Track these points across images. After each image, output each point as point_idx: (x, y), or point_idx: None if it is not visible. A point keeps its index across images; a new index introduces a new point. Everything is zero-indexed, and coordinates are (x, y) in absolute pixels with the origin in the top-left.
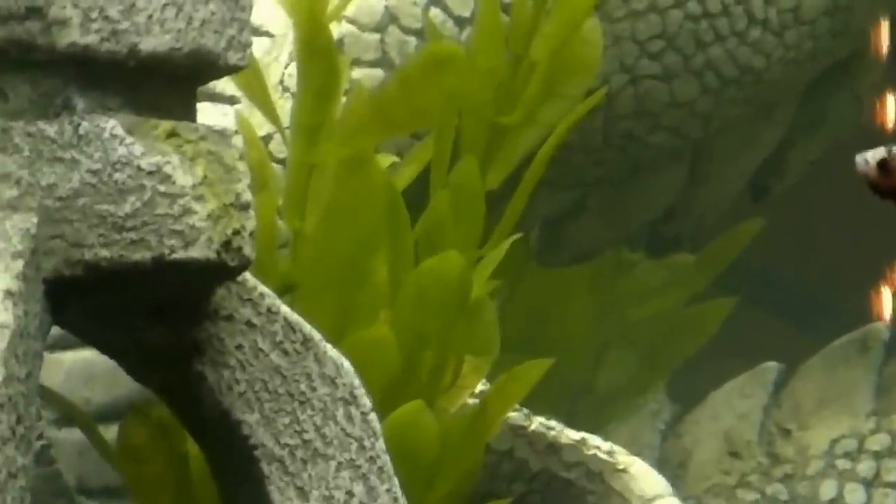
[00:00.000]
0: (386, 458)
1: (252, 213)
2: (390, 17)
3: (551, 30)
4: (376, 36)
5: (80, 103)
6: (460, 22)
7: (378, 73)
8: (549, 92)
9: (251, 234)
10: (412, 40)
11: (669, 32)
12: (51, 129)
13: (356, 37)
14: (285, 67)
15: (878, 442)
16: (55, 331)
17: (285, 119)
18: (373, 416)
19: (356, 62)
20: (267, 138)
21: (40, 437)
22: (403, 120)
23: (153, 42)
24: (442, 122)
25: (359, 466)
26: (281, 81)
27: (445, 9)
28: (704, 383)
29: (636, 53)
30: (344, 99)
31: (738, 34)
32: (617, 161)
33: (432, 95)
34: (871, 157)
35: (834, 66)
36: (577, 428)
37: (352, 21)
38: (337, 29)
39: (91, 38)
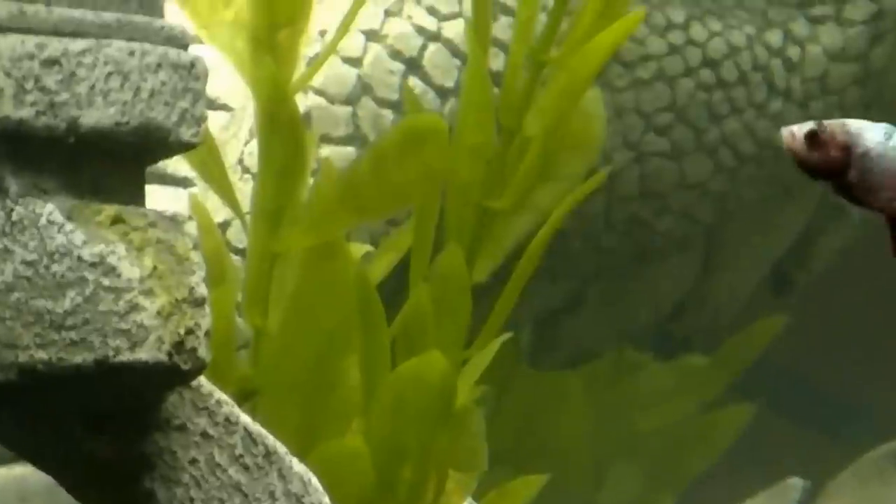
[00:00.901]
0: None
1: (207, 309)
2: (363, 88)
3: (547, 102)
4: (347, 109)
5: (13, 185)
6: (443, 93)
7: (349, 150)
8: (545, 172)
9: (207, 333)
10: (388, 113)
11: (679, 104)
12: None
13: (325, 110)
14: (245, 145)
15: None
16: None
17: (245, 203)
18: None
19: (325, 138)
20: (224, 225)
21: None
22: (378, 203)
23: (96, 115)
24: (422, 206)
25: None
26: (240, 160)
27: (426, 78)
28: (720, 502)
29: (642, 128)
30: (311, 180)
31: (757, 106)
32: (620, 249)
33: (411, 176)
34: (797, 129)
35: None
36: None
37: (320, 92)
38: (303, 101)
39: (26, 112)
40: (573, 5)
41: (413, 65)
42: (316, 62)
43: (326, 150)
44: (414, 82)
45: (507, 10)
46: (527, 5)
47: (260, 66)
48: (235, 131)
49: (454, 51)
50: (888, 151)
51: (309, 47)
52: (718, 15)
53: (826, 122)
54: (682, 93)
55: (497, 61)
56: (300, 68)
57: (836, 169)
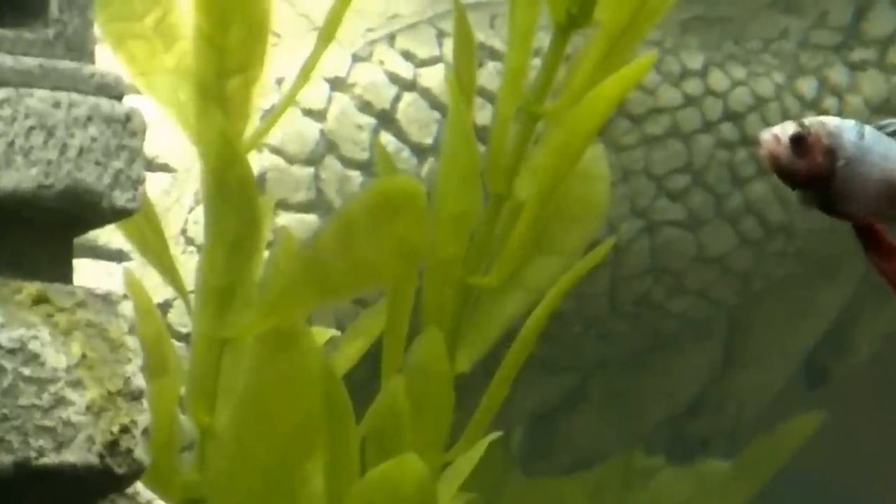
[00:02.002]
0: None
1: (146, 404)
2: (327, 146)
3: (541, 161)
4: (309, 170)
5: None
6: (420, 151)
7: (311, 218)
8: (539, 244)
9: (145, 431)
10: (356, 175)
11: (696, 165)
12: None
13: (282, 171)
14: (189, 212)
15: None
16: None
17: (189, 281)
18: None
19: (282, 204)
20: (165, 306)
21: None
22: (346, 281)
23: (15, 178)
24: (397, 285)
25: None
26: (184, 231)
27: (400, 133)
28: None
29: (652, 192)
30: (266, 253)
31: None
32: (628, 336)
33: (384, 248)
34: (781, 132)
35: None
36: None
37: (277, 150)
38: (257, 161)
39: None
40: (572, 50)
41: (385, 118)
42: (272, 115)
43: (284, 219)
44: (386, 139)
45: (495, 55)
46: (518, 50)
47: (207, 120)
48: (178, 196)
49: (433, 102)
50: (864, 155)
51: (264, 98)
52: (742, 60)
53: (808, 122)
54: (699, 151)
55: (483, 114)
56: (254, 123)
57: (822, 176)
